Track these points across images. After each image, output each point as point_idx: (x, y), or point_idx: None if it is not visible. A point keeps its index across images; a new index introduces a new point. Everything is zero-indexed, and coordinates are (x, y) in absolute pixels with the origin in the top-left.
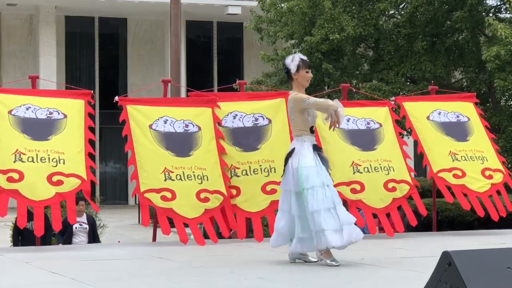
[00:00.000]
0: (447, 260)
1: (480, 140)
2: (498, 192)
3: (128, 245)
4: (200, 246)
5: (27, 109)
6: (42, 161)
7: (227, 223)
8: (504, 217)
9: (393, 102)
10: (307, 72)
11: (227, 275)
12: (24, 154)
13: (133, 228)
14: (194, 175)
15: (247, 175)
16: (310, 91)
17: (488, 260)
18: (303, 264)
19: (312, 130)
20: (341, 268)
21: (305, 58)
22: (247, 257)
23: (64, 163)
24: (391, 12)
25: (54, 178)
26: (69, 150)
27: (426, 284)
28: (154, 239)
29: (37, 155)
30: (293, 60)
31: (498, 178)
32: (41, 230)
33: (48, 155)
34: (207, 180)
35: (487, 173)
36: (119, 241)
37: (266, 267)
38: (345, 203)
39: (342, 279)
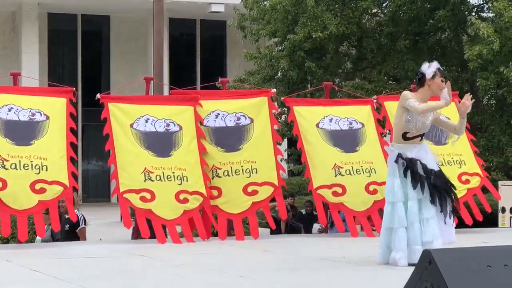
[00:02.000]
0: (427, 258)
1: (459, 143)
2: (475, 196)
3: (110, 243)
4: (181, 245)
5: (10, 110)
6: (25, 168)
7: (207, 225)
8: (480, 221)
9: (375, 101)
10: (442, 81)
11: (208, 273)
12: (7, 160)
13: (115, 226)
14: (174, 176)
15: (229, 176)
16: (292, 89)
17: (468, 258)
18: (284, 263)
19: (406, 137)
20: (322, 267)
21: (441, 68)
22: (228, 255)
23: (47, 170)
24: (374, 10)
25: (37, 186)
26: (52, 155)
27: (407, 283)
28: (133, 237)
29: (20, 161)
30: (430, 66)
31: (475, 182)
32: (24, 237)
33: (31, 161)
34: (187, 181)
35: (463, 178)
36: (100, 239)
37: (247, 265)
38: (326, 206)
39: (323, 277)
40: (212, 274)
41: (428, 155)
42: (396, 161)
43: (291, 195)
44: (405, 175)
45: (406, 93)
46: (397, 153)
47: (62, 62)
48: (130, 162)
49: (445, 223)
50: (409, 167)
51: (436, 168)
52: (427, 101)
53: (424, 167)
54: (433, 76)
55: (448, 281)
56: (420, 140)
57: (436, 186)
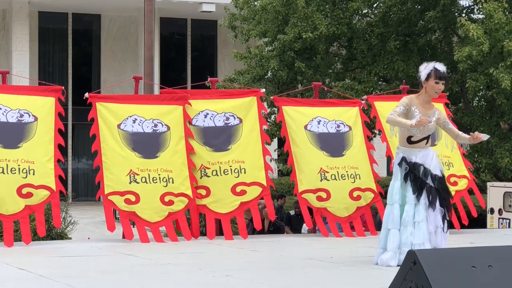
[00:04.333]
0: (412, 259)
1: (444, 144)
2: (463, 199)
3: (98, 241)
4: (170, 244)
5: None
6: (12, 172)
7: (193, 225)
8: (466, 225)
9: (364, 101)
10: (436, 83)
11: (195, 272)
12: None
13: (104, 225)
14: (159, 178)
15: (217, 175)
16: (282, 89)
17: (453, 259)
18: (271, 263)
19: (410, 141)
20: (310, 267)
21: (440, 68)
22: (216, 254)
23: (34, 174)
24: (365, 11)
25: (24, 191)
26: (39, 159)
27: (392, 283)
28: (124, 236)
29: (7, 165)
30: (426, 68)
31: (463, 184)
32: (10, 243)
33: (19, 165)
34: (172, 183)
35: (452, 179)
36: (88, 238)
37: (234, 264)
38: (310, 210)
39: (309, 277)
40: (199, 273)
41: (434, 160)
42: (400, 164)
43: (281, 196)
44: (406, 180)
45: (402, 99)
46: (402, 157)
47: (52, 60)
48: (116, 164)
49: (443, 230)
50: (412, 171)
51: (439, 174)
52: (429, 102)
53: (428, 172)
54: (427, 78)
55: (433, 281)
56: (426, 143)
57: (439, 191)
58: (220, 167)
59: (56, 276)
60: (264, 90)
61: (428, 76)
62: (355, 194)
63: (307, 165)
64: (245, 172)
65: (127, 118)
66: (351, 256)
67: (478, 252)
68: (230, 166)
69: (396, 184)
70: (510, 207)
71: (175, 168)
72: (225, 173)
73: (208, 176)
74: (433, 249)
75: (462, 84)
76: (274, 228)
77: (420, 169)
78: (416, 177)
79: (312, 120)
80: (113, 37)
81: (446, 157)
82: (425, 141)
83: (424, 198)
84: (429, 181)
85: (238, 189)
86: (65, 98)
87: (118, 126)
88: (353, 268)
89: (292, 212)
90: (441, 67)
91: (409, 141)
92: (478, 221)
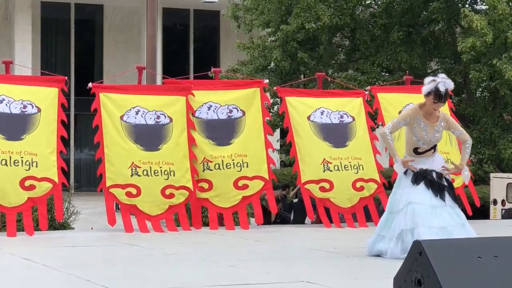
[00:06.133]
0: (418, 249)
1: (448, 141)
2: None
3: (101, 231)
4: (172, 234)
5: (1, 102)
6: (15, 164)
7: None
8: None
9: (368, 92)
10: (434, 102)
11: (199, 262)
12: None
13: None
14: (161, 171)
15: (220, 169)
16: (285, 80)
17: (458, 250)
18: (275, 253)
19: (417, 152)
20: (314, 257)
21: (442, 89)
22: (219, 245)
23: (36, 166)
24: (368, 2)
25: (27, 183)
26: (42, 151)
27: (397, 273)
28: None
29: (10, 157)
30: (429, 82)
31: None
32: (13, 234)
33: (22, 157)
34: (174, 175)
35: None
36: (91, 228)
37: (237, 255)
38: (313, 201)
39: (313, 267)
40: (202, 263)
41: (441, 164)
42: (405, 173)
43: (285, 186)
44: (417, 182)
45: (407, 111)
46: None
47: (55, 51)
48: (118, 156)
49: None
50: (424, 176)
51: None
52: (433, 113)
53: (439, 174)
54: (427, 95)
55: (438, 272)
56: (433, 152)
57: (453, 191)
58: (222, 160)
59: (60, 265)
60: (267, 80)
61: (428, 94)
62: (358, 184)
63: (310, 155)
64: (247, 166)
65: (130, 110)
66: (355, 246)
67: (484, 243)
68: (233, 160)
69: (397, 192)
70: None
71: (176, 161)
72: (228, 167)
73: (211, 170)
74: (438, 239)
75: (465, 75)
76: (281, 219)
77: (432, 174)
78: (432, 181)
79: (315, 110)
80: (115, 28)
81: (444, 153)
82: (432, 150)
83: (448, 200)
84: (444, 182)
85: (241, 183)
86: (67, 88)
87: (121, 117)
88: (357, 258)
89: (295, 200)
90: (444, 87)
91: (416, 151)
92: (481, 212)
